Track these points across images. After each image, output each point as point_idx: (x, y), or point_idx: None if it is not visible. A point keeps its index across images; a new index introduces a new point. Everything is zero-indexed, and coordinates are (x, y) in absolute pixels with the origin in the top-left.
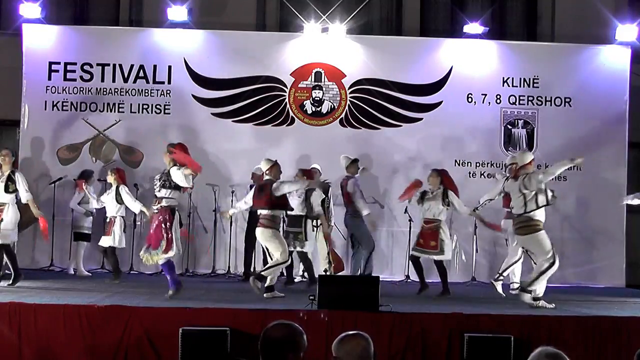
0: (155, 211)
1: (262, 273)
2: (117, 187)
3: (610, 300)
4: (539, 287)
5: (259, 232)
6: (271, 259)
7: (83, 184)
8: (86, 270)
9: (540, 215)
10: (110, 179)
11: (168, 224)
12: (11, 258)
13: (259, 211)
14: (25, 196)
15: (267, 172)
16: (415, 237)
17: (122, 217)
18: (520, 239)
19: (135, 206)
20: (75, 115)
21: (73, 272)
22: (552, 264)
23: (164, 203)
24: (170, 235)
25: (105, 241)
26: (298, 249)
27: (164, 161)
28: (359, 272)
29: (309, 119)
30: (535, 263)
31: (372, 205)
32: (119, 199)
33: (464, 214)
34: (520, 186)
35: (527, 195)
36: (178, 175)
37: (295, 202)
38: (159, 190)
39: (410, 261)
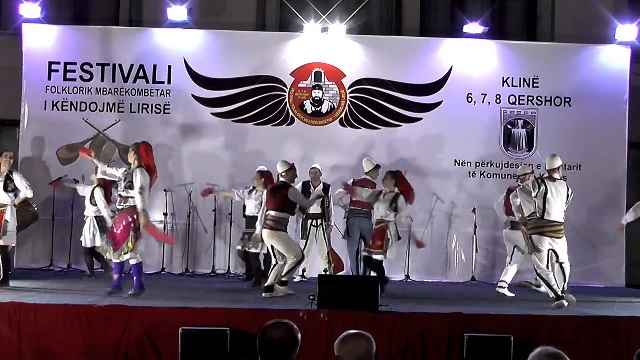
0: (121, 210)
1: (283, 279)
2: (94, 188)
3: (610, 300)
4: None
5: (266, 233)
6: (275, 259)
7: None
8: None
9: None
10: (94, 178)
11: (136, 224)
12: (6, 260)
13: (267, 212)
14: (27, 193)
15: (283, 174)
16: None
17: (96, 217)
18: (550, 240)
19: (105, 212)
20: (75, 115)
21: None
22: None
23: (130, 203)
24: (137, 235)
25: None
26: (253, 250)
27: (129, 160)
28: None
29: (309, 119)
30: (560, 263)
31: None
32: (93, 201)
33: (404, 226)
34: (569, 193)
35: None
36: (139, 179)
37: (252, 204)
38: (124, 191)
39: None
